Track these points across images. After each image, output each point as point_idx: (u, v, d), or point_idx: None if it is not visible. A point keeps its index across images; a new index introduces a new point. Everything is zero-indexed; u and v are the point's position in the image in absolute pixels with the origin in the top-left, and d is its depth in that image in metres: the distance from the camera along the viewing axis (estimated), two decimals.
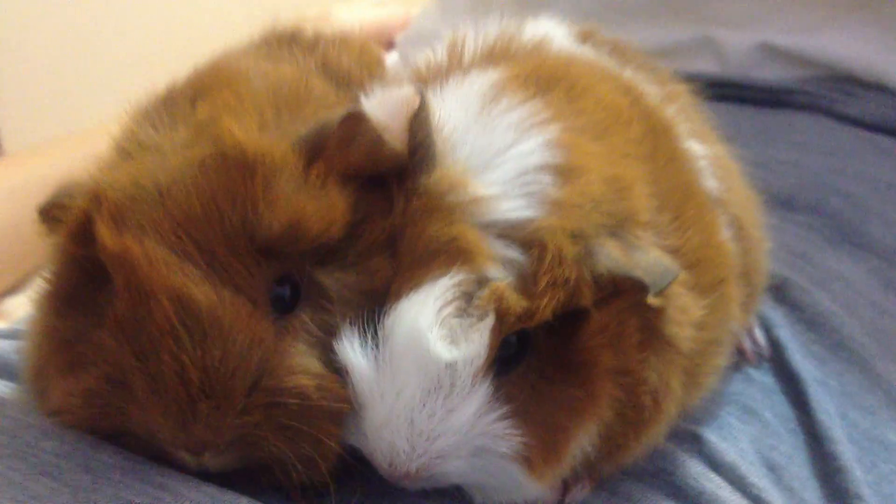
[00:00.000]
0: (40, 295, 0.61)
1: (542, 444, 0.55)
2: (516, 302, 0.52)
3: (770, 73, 1.15)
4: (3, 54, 2.66)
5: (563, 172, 0.56)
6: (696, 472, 0.66)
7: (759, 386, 0.77)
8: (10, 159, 1.29)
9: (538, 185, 0.55)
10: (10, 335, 0.75)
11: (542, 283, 0.53)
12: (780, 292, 0.83)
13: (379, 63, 0.74)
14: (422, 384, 0.53)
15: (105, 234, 0.53)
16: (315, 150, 0.55)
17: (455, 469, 0.55)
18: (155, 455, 0.56)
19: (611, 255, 0.54)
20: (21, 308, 1.25)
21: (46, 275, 0.61)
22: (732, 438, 0.70)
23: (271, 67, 0.63)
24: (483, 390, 0.54)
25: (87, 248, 0.55)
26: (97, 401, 0.54)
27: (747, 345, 0.78)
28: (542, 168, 0.56)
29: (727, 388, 0.74)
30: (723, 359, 0.66)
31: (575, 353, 0.55)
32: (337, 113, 0.56)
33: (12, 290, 1.29)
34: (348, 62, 0.68)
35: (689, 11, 1.19)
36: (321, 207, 0.54)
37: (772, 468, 0.71)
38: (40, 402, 0.59)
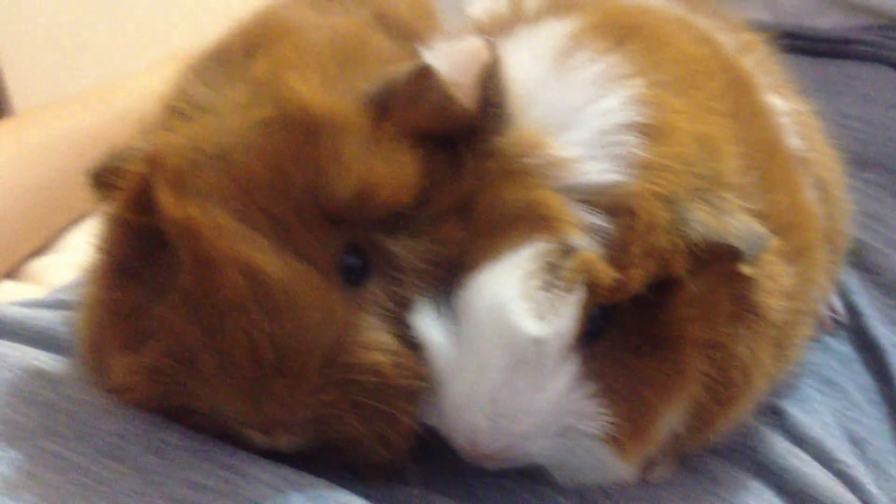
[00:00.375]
0: (94, 265, 0.58)
1: (630, 423, 0.52)
2: (607, 273, 0.49)
3: (825, 22, 1.10)
4: (8, 12, 2.63)
5: (651, 131, 0.52)
6: (782, 449, 0.63)
7: (838, 355, 0.73)
8: (27, 117, 1.26)
9: (624, 145, 0.51)
10: (52, 305, 0.72)
11: (634, 253, 0.49)
12: (854, 256, 0.79)
13: (432, 13, 0.69)
14: (506, 361, 0.50)
15: (167, 201, 0.49)
16: (383, 109, 0.52)
17: (539, 449, 0.52)
18: (221, 434, 0.53)
19: (705, 222, 0.50)
20: (50, 271, 1.24)
21: (99, 244, 0.58)
22: (815, 412, 0.67)
23: (325, 19, 0.59)
24: (571, 367, 0.50)
25: (145, 216, 0.52)
26: (161, 378, 0.52)
27: (824, 312, 0.74)
28: (628, 127, 0.52)
29: (806, 358, 0.71)
30: (809, 329, 0.63)
31: (664, 325, 0.52)
32: (404, 68, 0.52)
33: (38, 252, 1.27)
34: (407, 12, 0.63)
35: None
36: (392, 170, 0.51)
37: (855, 442, 0.68)
38: (99, 379, 0.56)
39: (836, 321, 0.75)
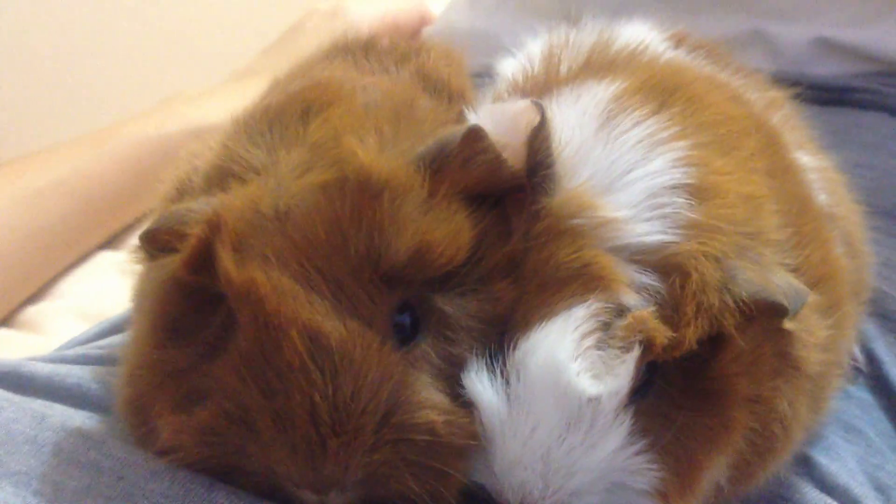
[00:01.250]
0: (139, 324, 0.59)
1: (677, 478, 0.53)
2: (661, 332, 0.51)
3: (826, 69, 1.13)
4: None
5: (697, 192, 0.54)
6: (813, 498, 0.65)
7: (858, 402, 0.75)
8: (22, 161, 1.25)
9: (672, 206, 0.53)
10: (77, 360, 0.73)
11: (687, 311, 0.51)
12: (870, 304, 0.82)
13: (463, 69, 0.72)
14: (560, 419, 0.51)
15: (228, 263, 0.50)
16: (437, 170, 0.53)
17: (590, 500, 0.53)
18: (271, 493, 0.54)
19: (752, 279, 0.52)
20: (45, 318, 1.23)
21: (143, 302, 0.59)
22: (840, 459, 0.69)
23: (372, 80, 0.61)
24: (624, 424, 0.52)
25: (202, 277, 0.53)
26: (213, 438, 0.52)
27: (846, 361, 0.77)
28: (675, 188, 0.54)
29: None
30: (840, 380, 0.65)
31: (710, 380, 0.54)
32: (457, 130, 0.54)
33: (32, 298, 1.26)
34: (445, 71, 0.65)
35: (738, 3, 1.17)
36: (448, 232, 0.52)
37: (880, 489, 0.69)
38: (143, 439, 0.56)
39: (856, 368, 0.77)
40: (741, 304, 0.52)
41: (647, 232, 0.53)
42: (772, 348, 0.55)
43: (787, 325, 0.54)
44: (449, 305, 0.54)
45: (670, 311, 0.52)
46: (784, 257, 0.58)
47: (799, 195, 0.62)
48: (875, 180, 0.97)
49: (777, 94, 0.73)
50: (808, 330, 0.57)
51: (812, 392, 0.59)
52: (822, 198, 0.65)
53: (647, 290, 0.52)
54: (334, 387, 0.50)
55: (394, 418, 0.51)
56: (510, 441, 0.52)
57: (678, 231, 0.53)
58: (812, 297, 0.57)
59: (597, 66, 0.65)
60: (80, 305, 1.19)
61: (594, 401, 0.51)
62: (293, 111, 0.57)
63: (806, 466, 0.67)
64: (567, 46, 0.67)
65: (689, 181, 0.54)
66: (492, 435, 0.53)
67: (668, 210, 0.53)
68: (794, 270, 0.58)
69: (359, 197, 0.51)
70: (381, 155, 0.53)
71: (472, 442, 0.53)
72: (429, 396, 0.52)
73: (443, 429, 0.52)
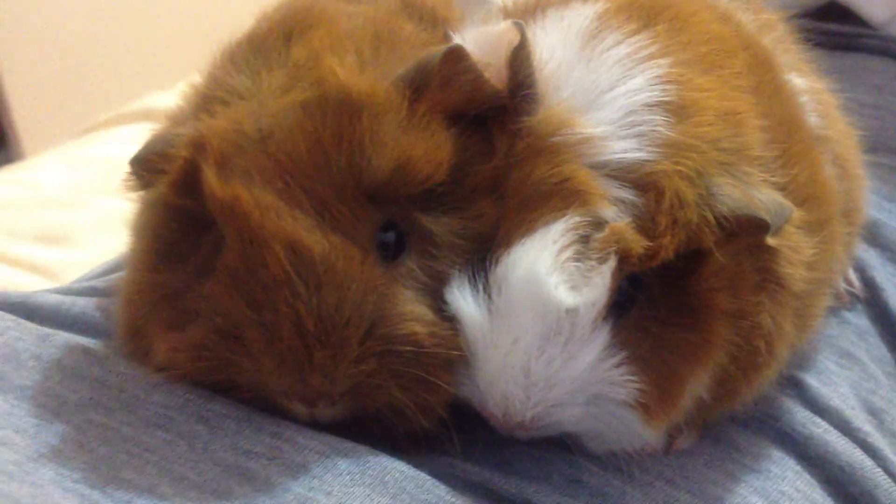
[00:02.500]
0: (132, 250, 0.61)
1: (658, 390, 0.55)
2: (638, 242, 0.52)
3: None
4: (13, 50, 2.65)
5: (676, 110, 0.55)
6: (803, 418, 0.66)
7: (855, 328, 0.76)
8: None
9: (650, 124, 0.54)
10: (84, 292, 0.75)
11: (662, 224, 0.52)
12: (871, 234, 0.83)
13: (453, 2, 0.72)
14: (540, 331, 0.52)
15: (213, 182, 0.52)
16: (417, 90, 0.55)
17: (570, 417, 0.55)
18: (264, 407, 0.56)
19: (732, 195, 0.53)
20: (66, 267, 1.27)
21: (138, 229, 0.61)
22: (833, 383, 0.70)
23: (355, 8, 0.62)
24: (602, 336, 0.53)
25: (189, 199, 0.55)
26: (206, 354, 0.54)
27: (842, 286, 0.77)
28: (653, 106, 0.55)
29: (824, 331, 0.74)
30: (828, 299, 0.66)
31: (691, 295, 0.55)
32: (437, 50, 0.55)
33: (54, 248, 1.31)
34: (431, 1, 0.66)
35: None
36: (428, 149, 0.54)
37: (873, 413, 0.71)
38: (142, 359, 0.58)
39: (853, 295, 0.78)
40: (721, 219, 0.53)
41: (625, 149, 0.54)
42: (754, 264, 0.56)
43: (770, 241, 0.55)
44: (433, 223, 0.56)
45: (648, 223, 0.53)
46: (771, 175, 0.58)
47: (788, 115, 0.63)
48: (881, 119, 0.98)
49: (771, 16, 0.73)
50: (793, 247, 0.58)
51: (798, 309, 0.60)
52: (813, 119, 0.66)
53: (626, 204, 0.53)
54: (318, 299, 0.51)
55: (378, 330, 0.53)
56: (492, 354, 0.54)
57: (655, 149, 0.54)
58: (797, 215, 0.58)
59: None
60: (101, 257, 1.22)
61: (572, 312, 0.52)
62: (276, 36, 0.59)
63: (797, 389, 0.69)
64: None
65: (668, 99, 0.55)
66: (474, 348, 0.54)
67: (645, 128, 0.54)
68: (782, 189, 0.59)
69: (339, 115, 0.53)
70: (361, 74, 0.55)
71: (456, 353, 0.55)
72: (413, 309, 0.54)
73: (427, 340, 0.54)
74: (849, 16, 1.17)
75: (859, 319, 0.77)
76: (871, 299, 0.78)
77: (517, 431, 0.56)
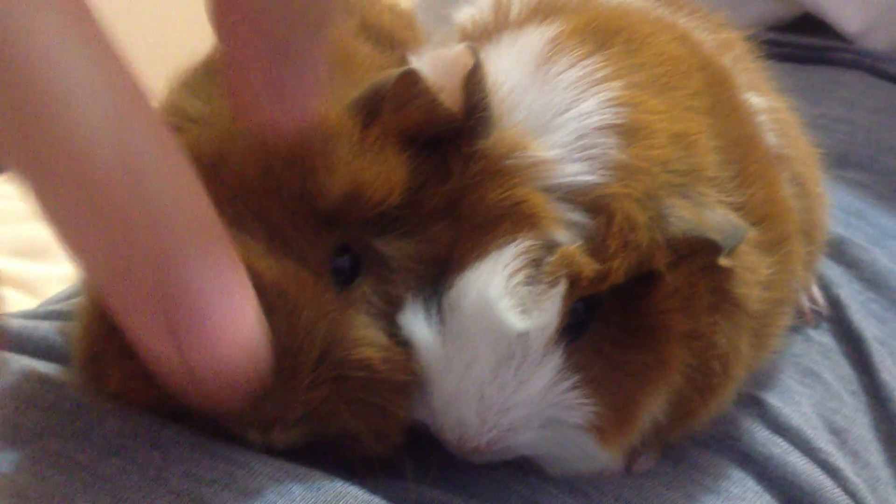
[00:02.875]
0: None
1: (613, 413, 0.55)
2: (588, 265, 0.52)
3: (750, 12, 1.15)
4: None
5: (627, 133, 0.55)
6: (763, 438, 0.66)
7: (819, 347, 0.77)
8: None
9: (601, 147, 0.54)
10: (47, 316, 0.75)
11: (613, 247, 0.53)
12: (837, 251, 0.83)
13: (414, 24, 0.73)
14: (493, 356, 0.53)
15: None
16: (370, 113, 0.55)
17: (525, 441, 0.55)
18: (219, 434, 0.56)
19: (683, 217, 0.53)
20: (44, 282, 1.27)
21: None
22: (794, 402, 0.71)
23: None
24: (555, 360, 0.54)
25: None
26: (159, 382, 0.54)
27: (806, 304, 0.78)
28: (605, 129, 0.55)
29: (787, 349, 0.74)
30: (788, 318, 0.66)
31: (645, 317, 0.55)
32: (391, 73, 0.55)
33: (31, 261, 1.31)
34: (389, 22, 0.67)
35: None
36: (381, 172, 0.54)
37: (835, 432, 0.71)
38: (99, 386, 0.58)
39: (818, 313, 0.78)
40: (672, 241, 0.54)
41: (577, 172, 0.54)
42: (708, 284, 0.56)
43: (723, 261, 0.55)
44: (388, 247, 0.56)
45: (599, 246, 0.53)
46: (727, 195, 0.59)
47: (745, 135, 0.63)
48: (851, 134, 0.98)
49: (731, 35, 0.74)
50: (749, 267, 0.59)
51: (755, 329, 0.61)
52: (771, 138, 0.66)
53: (578, 227, 0.54)
54: (269, 325, 0.51)
55: (331, 356, 0.53)
56: (446, 379, 0.54)
57: (606, 172, 0.54)
58: (753, 234, 0.58)
59: (546, 10, 0.66)
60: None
61: (523, 336, 0.52)
62: None
63: (758, 408, 0.69)
64: None
65: (619, 121, 0.55)
66: (429, 373, 0.54)
67: (596, 151, 0.54)
68: (738, 209, 0.59)
69: (291, 140, 0.53)
70: None
71: (410, 378, 0.55)
72: (366, 334, 0.54)
73: (381, 365, 0.54)
74: (823, 28, 1.18)
75: (823, 338, 0.77)
76: (836, 317, 0.79)
77: (473, 456, 0.56)
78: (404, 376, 0.54)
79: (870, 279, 0.82)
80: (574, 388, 0.54)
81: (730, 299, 0.58)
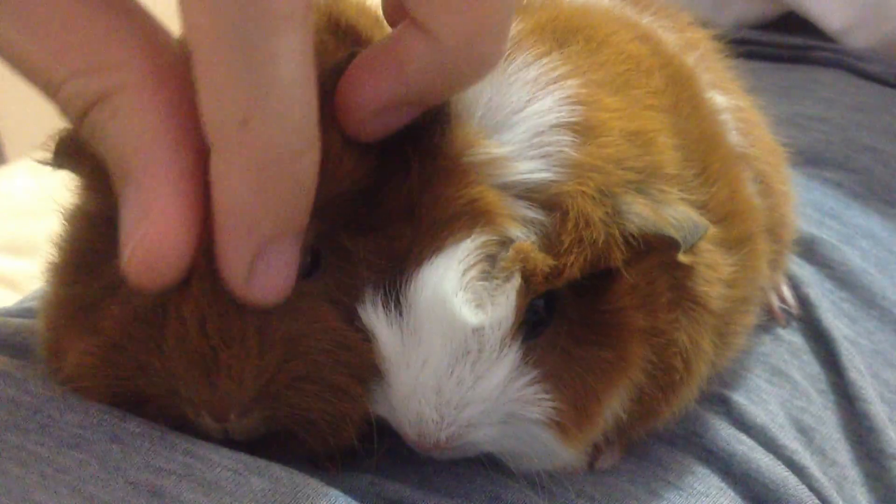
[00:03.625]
0: (51, 266, 0.62)
1: (574, 409, 0.56)
2: (543, 261, 0.53)
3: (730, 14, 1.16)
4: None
5: (582, 130, 0.56)
6: (727, 435, 0.67)
7: (788, 346, 0.77)
8: None
9: (556, 145, 0.55)
10: (20, 313, 0.76)
11: (567, 243, 0.53)
12: (808, 250, 0.83)
13: (380, 20, 0.73)
14: (449, 351, 0.53)
15: None
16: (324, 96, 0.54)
17: (485, 437, 0.56)
18: (177, 426, 0.56)
19: (640, 213, 0.54)
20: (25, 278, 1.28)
21: (57, 241, 0.61)
22: (761, 401, 0.71)
23: None
24: (512, 355, 0.54)
25: (103, 202, 0.55)
26: (118, 355, 0.55)
27: (775, 304, 0.78)
28: (560, 127, 0.55)
29: (755, 348, 0.75)
30: (752, 317, 0.67)
31: (605, 314, 0.56)
32: (340, 58, 0.55)
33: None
34: (355, 18, 0.67)
35: None
36: (339, 166, 0.54)
37: (802, 430, 0.71)
38: (56, 373, 0.59)
39: (787, 313, 0.79)
40: (629, 237, 0.54)
41: (532, 170, 0.55)
42: (668, 281, 0.57)
43: (682, 258, 0.56)
44: (350, 242, 0.57)
45: (555, 242, 0.53)
46: (689, 193, 0.59)
47: (707, 133, 0.64)
48: (828, 133, 0.98)
49: (697, 34, 0.74)
50: (710, 264, 0.59)
51: (718, 328, 0.61)
52: (734, 137, 0.67)
53: (533, 224, 0.54)
54: (221, 299, 0.52)
55: (283, 335, 0.54)
56: (404, 374, 0.55)
57: (561, 169, 0.55)
58: (713, 232, 0.59)
59: None
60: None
61: (478, 331, 0.53)
62: None
63: (724, 406, 0.69)
64: None
65: (574, 119, 0.56)
66: (387, 367, 0.55)
67: (552, 149, 0.55)
68: (701, 207, 0.60)
69: None
70: None
71: (368, 362, 0.55)
72: (323, 319, 0.55)
73: (335, 347, 0.54)
74: (807, 27, 1.18)
75: (793, 337, 0.78)
76: (806, 317, 0.79)
77: (434, 452, 0.56)
78: (362, 360, 0.55)
79: (841, 278, 0.83)
80: (533, 383, 0.55)
81: (690, 297, 0.58)
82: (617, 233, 0.54)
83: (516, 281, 0.53)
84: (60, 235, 0.62)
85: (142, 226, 0.48)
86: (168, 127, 0.48)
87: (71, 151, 0.57)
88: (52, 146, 0.59)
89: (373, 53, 0.53)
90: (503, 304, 0.53)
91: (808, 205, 0.81)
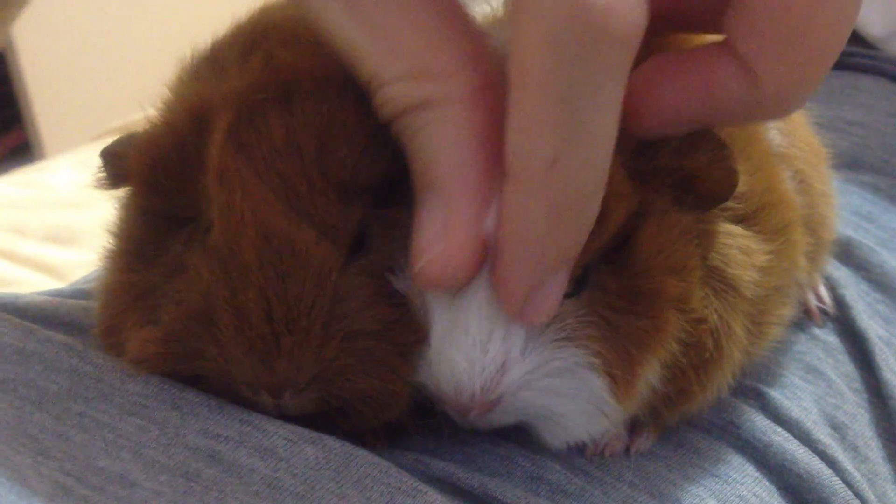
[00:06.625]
0: (108, 252, 0.66)
1: (619, 359, 0.57)
2: None
3: None
4: (33, 57, 2.70)
5: None
6: (763, 426, 0.69)
7: (824, 345, 0.79)
8: None
9: None
10: (74, 295, 0.79)
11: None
12: (845, 252, 0.86)
13: None
14: (485, 307, 0.55)
15: (218, 149, 0.56)
16: None
17: (526, 397, 0.57)
18: (233, 400, 0.60)
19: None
20: (72, 267, 1.31)
21: (114, 229, 0.65)
22: (796, 397, 0.73)
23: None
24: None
25: (157, 197, 0.59)
26: (176, 342, 0.58)
27: (812, 303, 0.80)
28: None
29: (791, 347, 0.77)
30: (788, 309, 0.69)
31: (637, 281, 0.57)
32: None
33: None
34: None
35: None
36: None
37: (835, 427, 0.73)
38: (118, 356, 0.62)
39: (824, 312, 0.81)
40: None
41: None
42: (697, 254, 0.59)
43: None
44: (399, 213, 0.59)
45: None
46: None
47: (746, 130, 0.65)
48: (865, 137, 1.01)
49: None
50: (744, 250, 0.62)
51: (751, 315, 0.64)
52: (774, 136, 0.69)
53: None
54: (284, 287, 0.54)
55: (339, 315, 0.57)
56: (447, 339, 0.57)
57: None
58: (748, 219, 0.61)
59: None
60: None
61: None
62: (235, 48, 0.63)
63: (760, 400, 0.72)
64: None
65: None
66: (430, 333, 0.58)
67: None
68: (739, 197, 0.61)
69: (304, 102, 0.57)
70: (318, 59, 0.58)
71: (414, 339, 0.58)
72: (372, 298, 0.58)
73: (385, 327, 0.58)
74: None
75: (828, 336, 0.80)
76: (841, 317, 0.82)
77: (473, 416, 0.58)
78: (409, 337, 0.58)
79: (877, 281, 0.85)
80: (574, 334, 0.57)
81: (723, 279, 0.61)
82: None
83: None
84: (116, 224, 0.66)
85: (441, 241, 0.52)
86: (482, 146, 0.51)
87: (120, 163, 0.61)
88: (103, 168, 0.62)
89: (676, 63, 0.54)
90: None
91: (845, 208, 0.83)
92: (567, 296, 0.57)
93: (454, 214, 0.51)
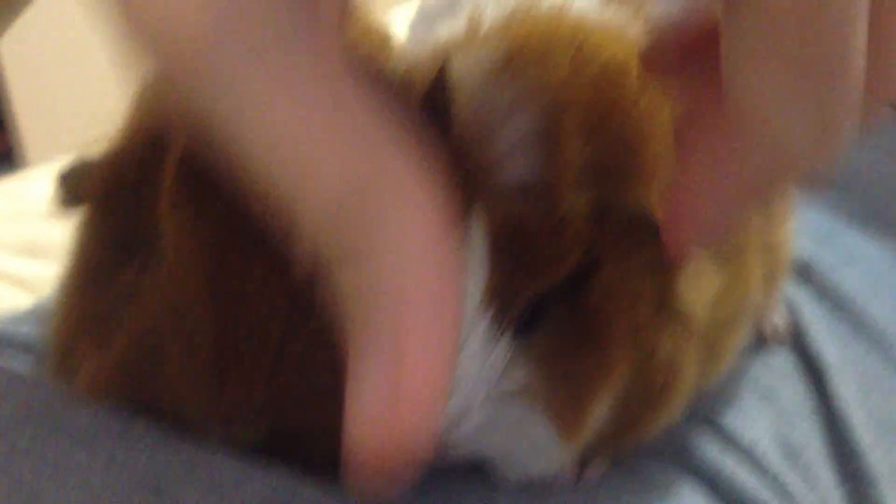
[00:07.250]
0: (65, 272, 0.65)
1: (568, 398, 0.56)
2: None
3: None
4: (14, 63, 2.68)
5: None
6: (714, 452, 0.69)
7: (778, 369, 0.79)
8: None
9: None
10: (34, 316, 0.78)
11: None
12: (803, 273, 0.85)
13: (387, 41, 0.75)
14: None
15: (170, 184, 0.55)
16: None
17: (476, 449, 0.57)
18: (184, 429, 0.59)
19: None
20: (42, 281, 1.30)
21: (70, 251, 0.64)
22: (749, 421, 0.73)
23: None
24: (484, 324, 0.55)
25: (113, 218, 0.59)
26: (126, 372, 0.57)
27: (768, 326, 0.79)
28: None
29: (746, 371, 0.76)
30: (743, 334, 0.68)
31: (588, 316, 0.56)
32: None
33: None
34: (360, 40, 0.69)
35: None
36: None
37: (788, 452, 0.73)
38: (70, 381, 0.61)
39: (780, 336, 0.80)
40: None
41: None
42: (652, 285, 0.58)
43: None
44: None
45: None
46: None
47: None
48: None
49: None
50: (698, 275, 0.61)
51: (705, 340, 0.63)
52: None
53: None
54: (234, 316, 0.54)
55: (290, 347, 0.56)
56: None
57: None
58: None
59: (516, 24, 0.68)
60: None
61: None
62: None
63: (712, 425, 0.71)
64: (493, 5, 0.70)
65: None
66: None
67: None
68: None
69: None
70: None
71: None
72: (324, 328, 0.56)
73: (340, 358, 0.55)
74: None
75: (783, 360, 0.80)
76: (797, 340, 0.81)
77: None
78: None
79: (836, 302, 0.84)
80: (521, 385, 0.56)
81: (676, 305, 0.60)
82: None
83: None
84: (72, 244, 0.65)
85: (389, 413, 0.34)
86: None
87: (81, 183, 0.60)
88: (63, 188, 0.62)
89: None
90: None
91: (805, 227, 0.82)
92: (518, 338, 0.56)
93: (406, 377, 0.34)
